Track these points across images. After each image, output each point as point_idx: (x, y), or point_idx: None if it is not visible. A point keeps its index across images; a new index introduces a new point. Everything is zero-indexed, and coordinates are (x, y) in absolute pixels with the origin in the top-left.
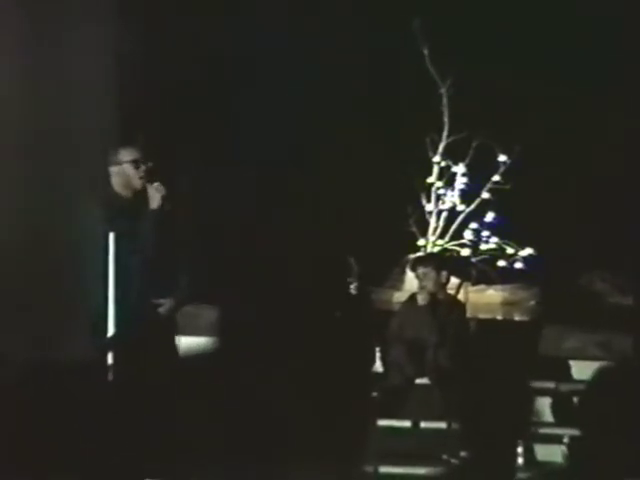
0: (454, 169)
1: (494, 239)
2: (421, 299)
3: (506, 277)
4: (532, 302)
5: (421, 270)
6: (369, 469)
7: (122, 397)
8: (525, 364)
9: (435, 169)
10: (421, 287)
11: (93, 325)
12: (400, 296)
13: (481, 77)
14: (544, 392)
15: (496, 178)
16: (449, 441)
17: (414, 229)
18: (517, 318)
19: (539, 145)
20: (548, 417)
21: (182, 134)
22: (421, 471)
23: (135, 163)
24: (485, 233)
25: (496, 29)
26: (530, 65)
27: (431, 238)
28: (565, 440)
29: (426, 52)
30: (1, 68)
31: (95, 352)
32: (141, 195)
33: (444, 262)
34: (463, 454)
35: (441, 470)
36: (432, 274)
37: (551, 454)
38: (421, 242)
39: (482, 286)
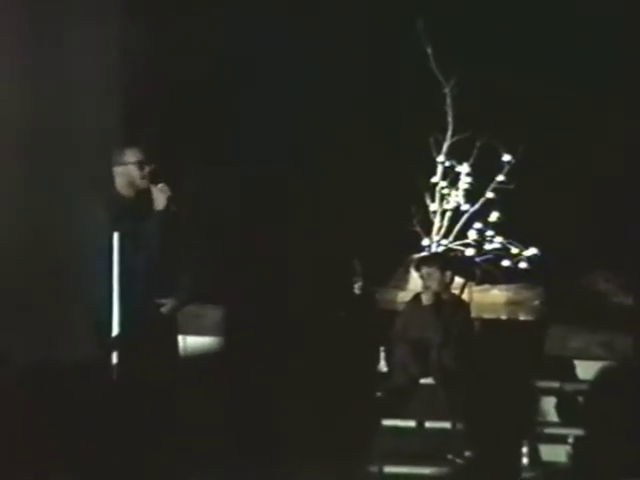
0: (458, 169)
1: (498, 239)
2: (425, 299)
3: (510, 277)
4: (536, 302)
5: (425, 270)
6: (374, 469)
7: (125, 397)
8: (529, 364)
9: (439, 169)
10: (425, 287)
11: (97, 325)
12: (404, 296)
13: (485, 77)
14: (549, 392)
15: (500, 178)
16: (454, 441)
17: (418, 229)
18: (521, 318)
19: (543, 145)
20: (553, 417)
21: (186, 135)
22: (426, 471)
23: (139, 164)
24: (489, 233)
25: (500, 29)
26: (534, 65)
27: (435, 238)
28: (570, 440)
29: (430, 52)
30: (4, 68)
31: (99, 352)
32: (145, 196)
33: (448, 262)
34: (468, 454)
35: (446, 470)
36: (436, 274)
37: (556, 454)
38: (425, 242)
39: (486, 286)
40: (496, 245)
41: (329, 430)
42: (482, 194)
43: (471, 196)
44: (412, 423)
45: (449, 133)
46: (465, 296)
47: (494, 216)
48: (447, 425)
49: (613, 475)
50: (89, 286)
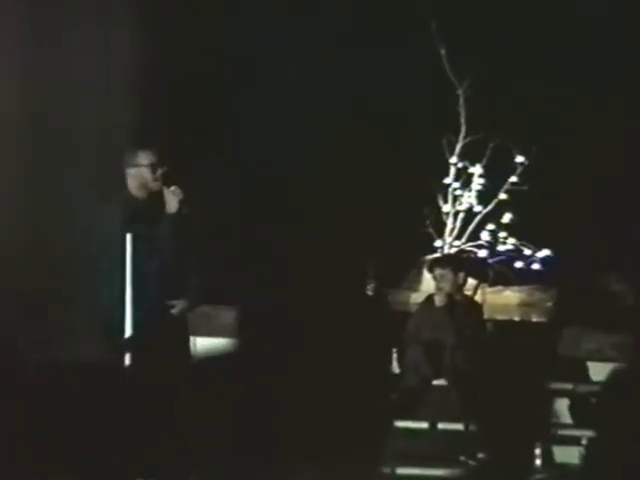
0: (471, 170)
1: (511, 240)
2: (438, 300)
3: (523, 278)
4: (549, 303)
5: (438, 271)
6: (386, 470)
7: (136, 397)
8: (542, 365)
9: (452, 170)
10: (438, 288)
11: (109, 326)
12: (417, 297)
13: (498, 78)
14: (562, 393)
15: (513, 179)
16: (466, 442)
17: (431, 230)
18: (534, 319)
19: (556, 146)
20: (566, 418)
21: (197, 137)
22: (438, 472)
23: (152, 166)
24: (502, 234)
25: (513, 30)
26: (547, 66)
27: (448, 239)
28: (583, 442)
29: (443, 53)
30: (4, 68)
31: (110, 353)
32: (157, 198)
33: (461, 263)
34: (480, 455)
35: (458, 472)
36: (449, 275)
37: (569, 455)
38: (438, 243)
39: (499, 287)
40: (509, 246)
41: (341, 431)
42: (495, 195)
43: (484, 197)
44: (425, 424)
45: (462, 134)
46: (478, 297)
47: (507, 217)
48: (460, 427)
49: (626, 477)
50: (101, 288)
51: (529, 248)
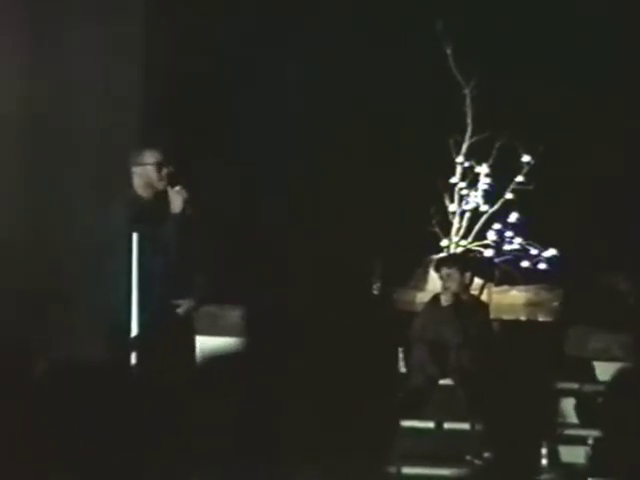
0: (477, 169)
1: (518, 240)
2: (444, 300)
3: (529, 278)
4: (555, 303)
5: (445, 271)
6: (392, 470)
7: (140, 397)
8: (549, 365)
9: (458, 169)
10: (444, 288)
11: (115, 326)
12: (423, 297)
13: (504, 78)
14: (568, 393)
15: (520, 179)
16: (472, 442)
17: (437, 230)
18: (540, 319)
19: (563, 145)
20: (572, 418)
21: (203, 137)
22: (444, 472)
23: (157, 165)
24: (508, 234)
25: (518, 30)
26: (553, 65)
27: (454, 239)
28: (589, 441)
29: (449, 53)
30: (4, 68)
31: (115, 352)
32: (162, 198)
33: (468, 263)
34: (487, 455)
35: (465, 471)
36: (456, 275)
37: (575, 455)
38: (444, 243)
39: (505, 287)
40: (515, 246)
41: (346, 431)
42: (501, 195)
43: (490, 197)
44: (431, 424)
45: (468, 134)
46: (484, 297)
47: (513, 217)
48: (466, 426)
49: (632, 476)
50: (107, 287)
51: (535, 248)
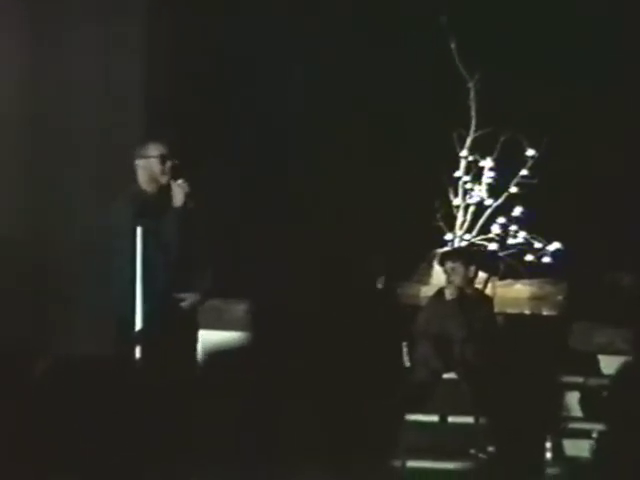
0: (481, 163)
1: (522, 233)
2: (449, 293)
3: (534, 272)
4: (560, 297)
5: (449, 264)
6: (396, 464)
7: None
8: (553, 359)
9: (462, 163)
10: (449, 282)
11: (120, 321)
12: (427, 290)
13: (508, 71)
14: (572, 387)
15: (524, 172)
16: (477, 436)
17: (441, 224)
18: (545, 313)
19: (567, 139)
20: (576, 412)
21: (205, 131)
22: (449, 466)
23: (161, 158)
24: (513, 227)
25: (523, 24)
26: (557, 59)
27: (458, 233)
28: (594, 435)
29: (453, 47)
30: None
31: (121, 347)
32: (166, 192)
33: (472, 257)
34: (491, 449)
35: (469, 465)
36: (460, 269)
37: (579, 449)
38: (448, 237)
39: (509, 281)
40: (519, 240)
41: (351, 425)
42: (505, 189)
43: (494, 191)
44: (435, 418)
45: (472, 128)
46: (488, 291)
47: (517, 211)
48: (470, 420)
49: (637, 470)
50: (111, 282)
51: (540, 241)
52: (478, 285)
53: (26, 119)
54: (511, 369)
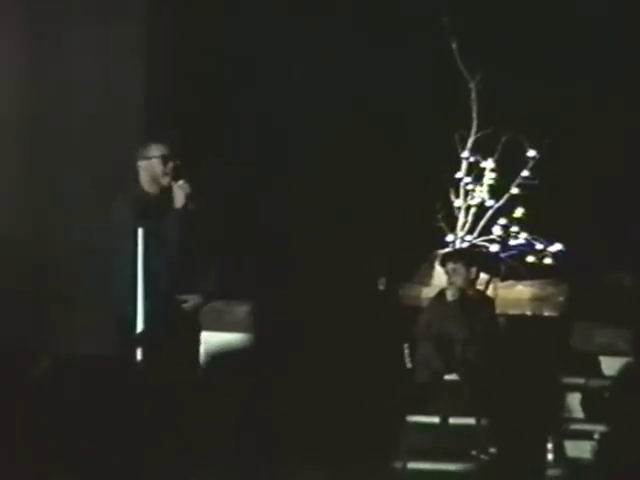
0: (483, 164)
1: (523, 235)
2: (450, 295)
3: (535, 273)
4: (561, 298)
5: (451, 266)
6: (398, 465)
7: (143, 396)
8: (554, 360)
9: (464, 164)
10: (450, 283)
11: (120, 322)
12: (429, 292)
13: (509, 72)
14: (574, 388)
15: (525, 173)
16: (478, 437)
17: (443, 225)
18: (546, 314)
19: (569, 139)
20: (578, 413)
21: (206, 133)
22: (450, 467)
23: (163, 159)
24: (514, 228)
25: (524, 24)
26: (558, 60)
27: (460, 234)
28: (595, 436)
29: (455, 47)
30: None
31: (123, 349)
32: (167, 193)
33: (474, 258)
34: (492, 450)
35: (470, 466)
36: (462, 270)
37: (581, 450)
38: (450, 238)
39: (511, 282)
40: (521, 241)
41: (352, 426)
42: (507, 190)
43: (496, 192)
44: (436, 419)
45: (474, 129)
46: (490, 292)
47: (519, 212)
48: (471, 421)
49: (638, 470)
50: (113, 284)
51: (541, 242)
52: (479, 286)
53: (26, 119)
54: (512, 370)
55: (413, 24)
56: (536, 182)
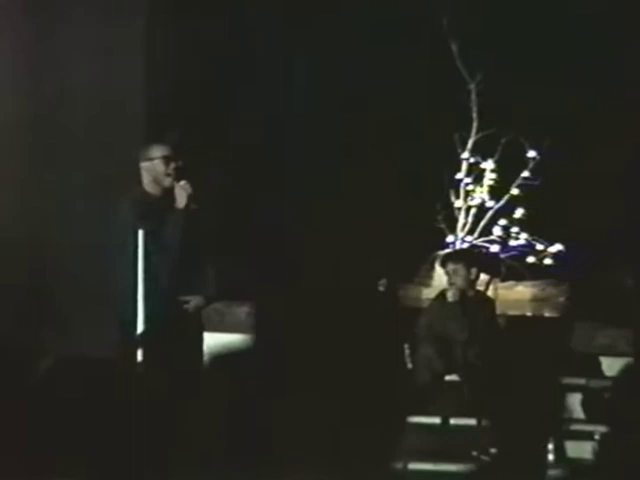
0: (483, 165)
1: (523, 235)
2: (450, 295)
3: (535, 273)
4: (562, 298)
5: (451, 266)
6: (398, 466)
7: (143, 396)
8: (555, 360)
9: (464, 165)
10: (450, 283)
11: (122, 323)
12: (429, 293)
13: (509, 73)
14: (574, 388)
15: (525, 174)
16: (479, 438)
17: (443, 226)
18: (547, 314)
19: (569, 140)
20: (578, 413)
21: (207, 131)
22: (451, 468)
23: (165, 159)
24: (514, 229)
25: (524, 24)
26: (559, 60)
27: (460, 234)
28: (596, 437)
29: (455, 48)
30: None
31: (123, 349)
32: (169, 194)
33: (474, 258)
34: (493, 451)
35: (471, 467)
36: (462, 270)
37: (581, 451)
38: (450, 239)
39: (511, 282)
40: (521, 241)
41: (353, 427)
42: (507, 190)
43: (496, 193)
44: (437, 420)
45: (474, 130)
46: (490, 293)
47: (519, 212)
48: (472, 422)
49: (638, 471)
50: (114, 285)
51: (541, 243)
52: (480, 287)
53: (26, 119)
54: (513, 371)
55: (413, 24)
56: (536, 183)
